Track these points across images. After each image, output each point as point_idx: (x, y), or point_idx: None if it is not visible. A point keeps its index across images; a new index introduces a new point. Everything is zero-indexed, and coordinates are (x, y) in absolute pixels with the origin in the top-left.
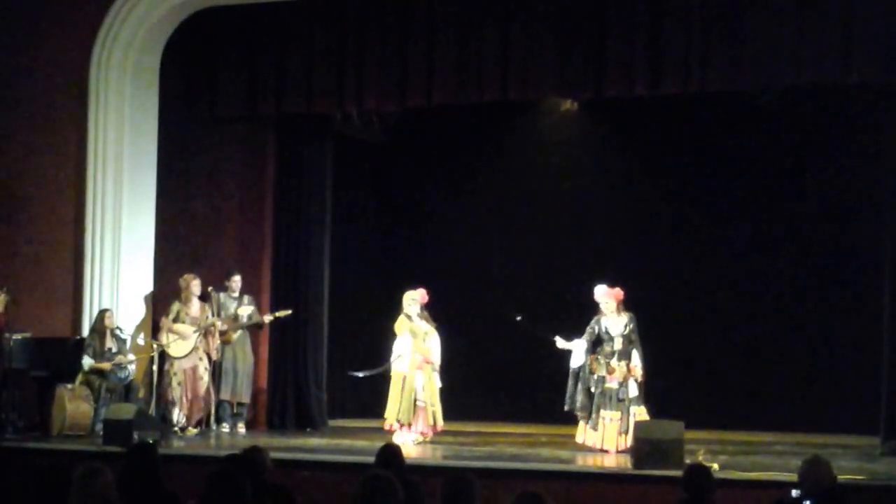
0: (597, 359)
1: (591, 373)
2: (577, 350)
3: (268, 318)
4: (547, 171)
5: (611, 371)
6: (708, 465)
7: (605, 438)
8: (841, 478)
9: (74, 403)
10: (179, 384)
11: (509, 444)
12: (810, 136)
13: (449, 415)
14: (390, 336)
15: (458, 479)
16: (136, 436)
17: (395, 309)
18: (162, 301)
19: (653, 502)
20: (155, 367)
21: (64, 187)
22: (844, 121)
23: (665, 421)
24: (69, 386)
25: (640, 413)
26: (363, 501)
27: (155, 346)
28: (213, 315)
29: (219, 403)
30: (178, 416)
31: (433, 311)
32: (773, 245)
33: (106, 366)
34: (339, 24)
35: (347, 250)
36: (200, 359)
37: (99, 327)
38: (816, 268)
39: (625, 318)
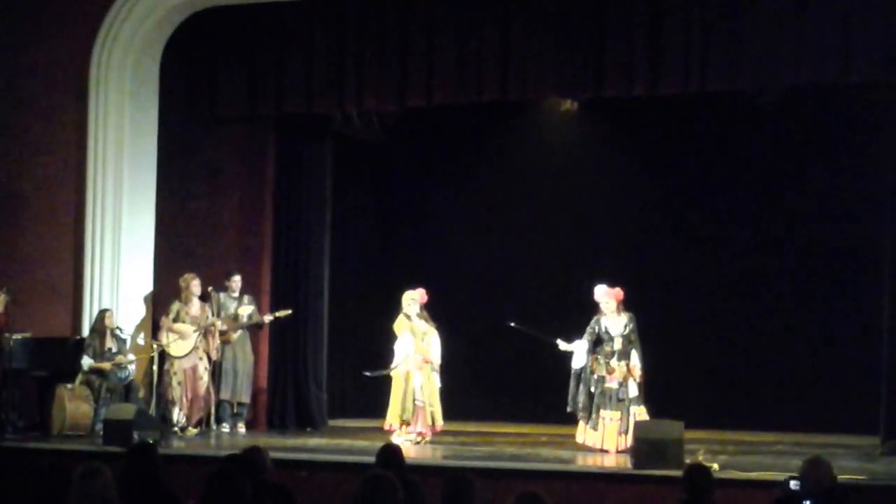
0: (597, 359)
1: (592, 373)
2: (578, 351)
3: (268, 318)
4: (547, 171)
5: (610, 371)
6: (708, 465)
7: (605, 438)
8: (841, 478)
9: (74, 403)
10: (179, 384)
11: (509, 444)
12: (810, 136)
13: (449, 415)
14: (390, 336)
15: (458, 479)
16: (136, 436)
17: (395, 309)
18: (162, 301)
19: (653, 502)
20: (155, 367)
21: (64, 187)
22: (844, 121)
23: (665, 421)
24: (69, 386)
25: (640, 413)
26: (363, 501)
27: (155, 345)
28: (212, 315)
29: (219, 403)
30: (178, 415)
31: (433, 311)
32: (773, 245)
33: (106, 366)
34: (339, 24)
35: (347, 250)
36: (200, 358)
37: (99, 327)
38: (816, 267)
39: (625, 318)
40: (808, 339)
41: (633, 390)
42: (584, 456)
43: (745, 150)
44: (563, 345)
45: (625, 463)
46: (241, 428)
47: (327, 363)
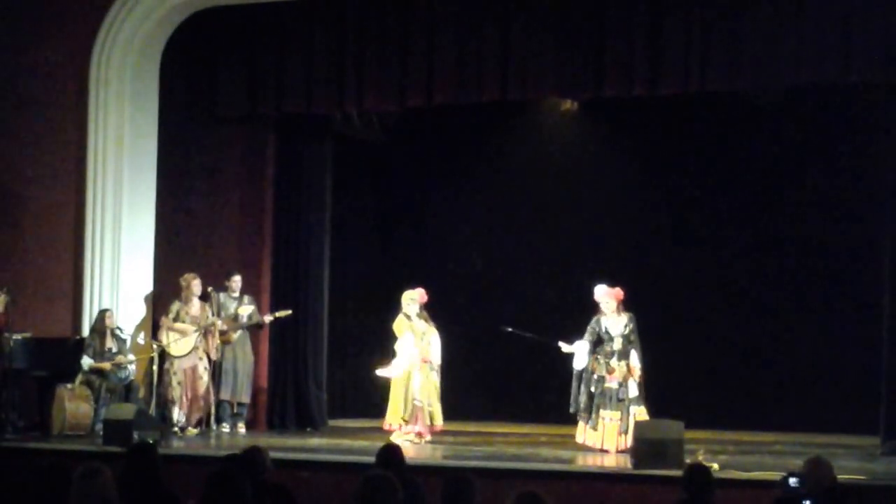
0: (596, 359)
1: (592, 372)
2: (579, 352)
3: (268, 318)
4: (547, 171)
5: (610, 371)
6: (708, 464)
7: (605, 438)
8: (841, 478)
9: (74, 403)
10: (179, 384)
11: (509, 444)
12: (810, 136)
13: (449, 415)
14: (390, 336)
15: (458, 479)
16: (136, 436)
17: (395, 309)
18: (162, 301)
19: (653, 502)
20: (155, 367)
21: (64, 188)
22: (844, 121)
23: (665, 421)
24: (69, 386)
25: (640, 413)
26: (363, 501)
27: (155, 345)
28: (212, 315)
29: (219, 403)
30: (178, 415)
31: (433, 311)
32: (773, 245)
33: (106, 366)
34: (338, 24)
35: (347, 250)
36: (200, 358)
37: (99, 327)
38: (816, 267)
39: (624, 318)
40: (808, 339)
41: (633, 390)
42: (584, 456)
43: (746, 151)
44: (564, 347)
45: (625, 463)
46: (241, 428)
47: (327, 363)
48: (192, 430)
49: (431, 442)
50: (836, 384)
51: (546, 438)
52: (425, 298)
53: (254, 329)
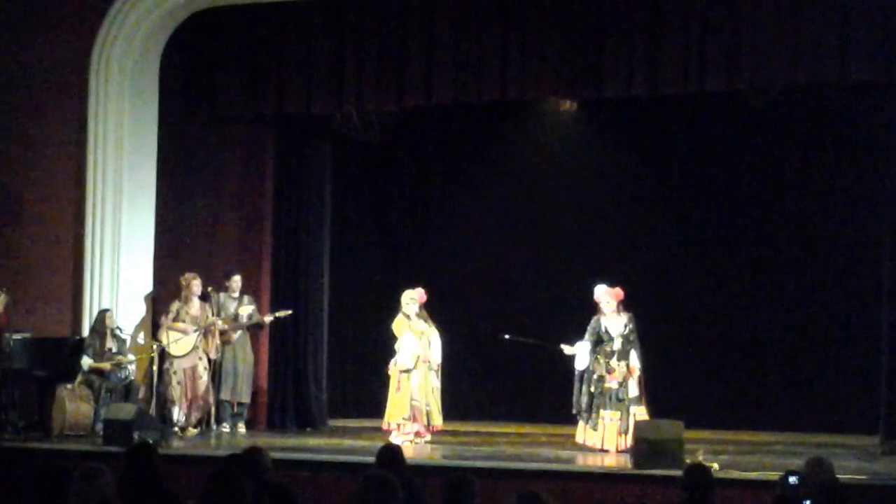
0: (596, 358)
1: (592, 372)
2: (581, 353)
3: (268, 319)
4: (547, 171)
5: (610, 371)
6: (708, 464)
7: (605, 438)
8: (841, 478)
9: (74, 403)
10: (179, 384)
11: (509, 444)
12: (810, 135)
13: (449, 415)
14: (390, 336)
15: (458, 479)
16: (136, 436)
17: (395, 309)
18: (162, 301)
19: (653, 502)
20: (155, 367)
21: (64, 187)
22: (844, 121)
23: (665, 421)
24: (69, 386)
25: (639, 413)
26: (363, 501)
27: (155, 345)
28: (212, 315)
29: (219, 403)
30: (178, 415)
31: (433, 311)
32: (772, 245)
33: (106, 366)
34: (338, 25)
35: (347, 250)
36: (200, 358)
37: (99, 327)
38: (816, 267)
39: (624, 318)
40: (808, 339)
41: (632, 390)
42: (584, 456)
43: (745, 150)
44: (567, 349)
45: (625, 463)
46: (241, 428)
47: (327, 363)
48: (192, 430)
49: (431, 442)
50: (836, 384)
51: (546, 438)
52: (425, 298)
53: (254, 329)
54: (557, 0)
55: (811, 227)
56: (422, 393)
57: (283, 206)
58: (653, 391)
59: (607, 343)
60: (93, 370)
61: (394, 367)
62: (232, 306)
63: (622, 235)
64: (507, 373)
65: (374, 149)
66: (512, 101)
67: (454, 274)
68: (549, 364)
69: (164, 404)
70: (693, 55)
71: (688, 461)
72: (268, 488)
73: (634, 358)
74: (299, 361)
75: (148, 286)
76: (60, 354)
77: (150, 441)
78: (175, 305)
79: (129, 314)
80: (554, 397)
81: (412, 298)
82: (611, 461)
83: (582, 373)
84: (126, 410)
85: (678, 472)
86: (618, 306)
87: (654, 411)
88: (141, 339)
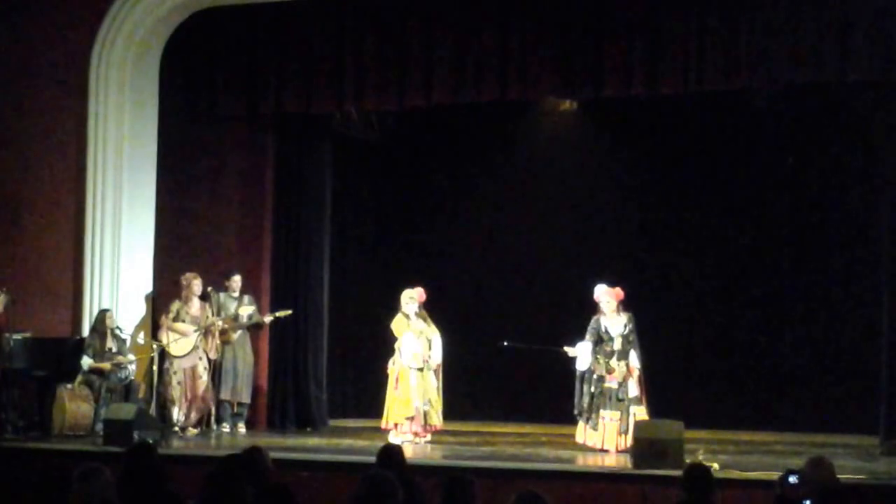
0: (596, 358)
1: (592, 372)
2: (582, 353)
3: (268, 319)
4: (547, 171)
5: (610, 371)
6: (708, 464)
7: (605, 438)
8: (841, 478)
9: (74, 403)
10: (179, 384)
11: (509, 444)
12: (809, 135)
13: (449, 415)
14: (390, 336)
15: (458, 479)
16: (136, 436)
17: (395, 309)
18: (162, 301)
19: (653, 502)
20: (155, 367)
21: (64, 187)
22: (844, 120)
23: (665, 421)
24: (69, 386)
25: (639, 413)
26: (363, 501)
27: (155, 345)
28: (213, 315)
29: (219, 403)
30: (177, 415)
31: (433, 310)
32: (772, 245)
33: (106, 365)
34: (338, 24)
35: (347, 250)
36: (200, 358)
37: (99, 327)
38: (816, 267)
39: (624, 318)
40: (807, 338)
41: (632, 390)
42: (584, 456)
43: (745, 150)
44: (570, 351)
45: (625, 463)
46: (241, 428)
47: (327, 363)
48: (192, 430)
49: (431, 442)
50: (836, 384)
51: (546, 438)
52: (424, 297)
53: (254, 329)
54: (557, 0)
55: (811, 227)
56: (420, 393)
57: (283, 206)
58: (653, 391)
59: (607, 343)
60: (93, 370)
61: (392, 367)
62: (232, 306)
63: (622, 235)
64: (507, 373)
65: (374, 148)
66: (512, 101)
67: (454, 274)
68: (548, 364)
69: (164, 404)
70: (693, 55)
71: (688, 461)
72: (268, 488)
73: (634, 358)
74: (299, 361)
75: (148, 286)
76: (60, 354)
77: (150, 441)
78: (175, 305)
79: (129, 314)
80: (554, 397)
81: (411, 298)
82: (611, 461)
83: (583, 373)
84: (126, 410)
85: (678, 472)
86: (618, 306)
87: (654, 411)
88: (141, 339)
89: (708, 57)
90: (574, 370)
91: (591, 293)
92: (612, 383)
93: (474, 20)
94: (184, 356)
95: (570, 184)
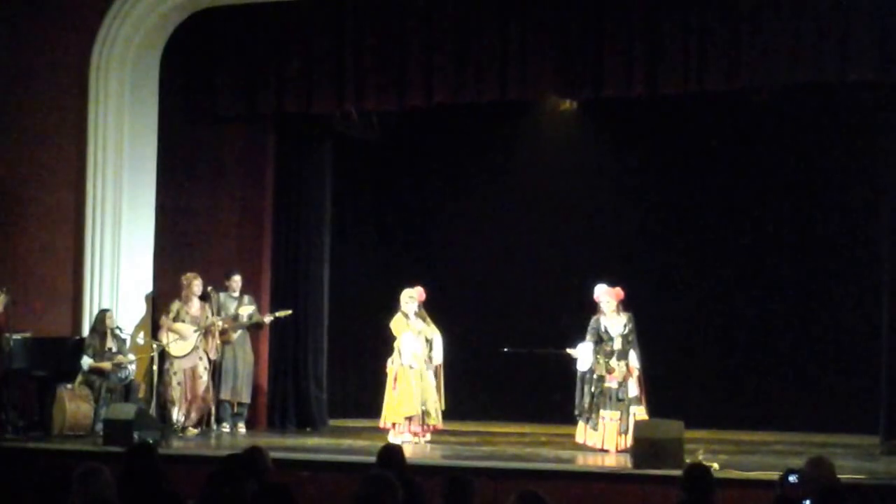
0: (596, 358)
1: (592, 372)
2: (584, 354)
3: (268, 319)
4: (547, 171)
5: (610, 371)
6: (708, 464)
7: (605, 438)
8: (841, 477)
9: (74, 403)
10: (179, 384)
11: (509, 444)
12: (809, 135)
13: (449, 415)
14: (390, 335)
15: (458, 479)
16: (136, 436)
17: (395, 308)
18: (162, 301)
19: (653, 502)
20: (155, 367)
21: (64, 187)
22: (844, 120)
23: (665, 421)
24: (69, 386)
25: (639, 413)
26: (363, 501)
27: (155, 345)
28: (212, 315)
29: (219, 403)
30: (177, 415)
31: (433, 310)
32: (772, 244)
33: (106, 365)
34: (338, 24)
35: (347, 250)
36: (200, 358)
37: (99, 327)
38: (816, 267)
39: (624, 318)
40: (808, 338)
41: (632, 390)
42: (584, 456)
43: (745, 150)
44: (573, 352)
45: (625, 463)
46: (241, 428)
47: (327, 363)
48: (192, 430)
49: (431, 442)
50: (836, 384)
51: (546, 438)
52: (424, 297)
53: (254, 329)
54: (557, 0)
55: (811, 227)
56: (418, 392)
57: (283, 206)
58: (653, 391)
59: (607, 343)
60: (93, 370)
61: (391, 366)
62: (232, 306)
63: (622, 235)
64: (507, 373)
65: (374, 148)
66: (512, 101)
67: (454, 274)
68: (548, 365)
69: (164, 404)
70: (693, 55)
71: (688, 461)
72: (268, 488)
73: (634, 358)
74: (299, 361)
75: (148, 286)
76: (60, 354)
77: (150, 441)
78: (175, 305)
79: (129, 314)
80: (555, 397)
81: (411, 297)
82: (611, 461)
83: (584, 374)
84: (126, 410)
85: (678, 472)
86: (618, 306)
87: (654, 411)
88: (141, 339)
89: (708, 57)
90: (575, 370)
91: (591, 293)
92: (612, 383)
93: (474, 20)
94: (184, 356)
95: (569, 184)
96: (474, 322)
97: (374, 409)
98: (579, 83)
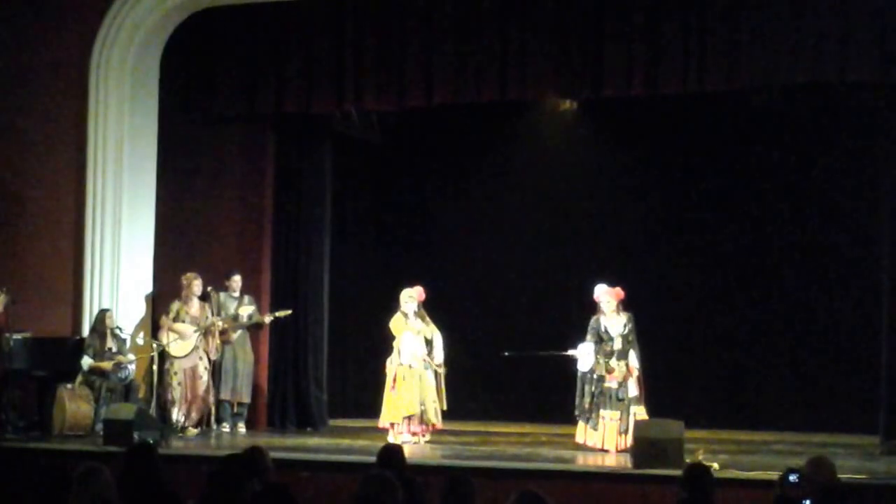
0: (596, 358)
1: (592, 372)
2: (584, 354)
3: (268, 319)
4: (546, 171)
5: (610, 371)
6: (708, 464)
7: (606, 438)
8: (841, 477)
9: (74, 403)
10: (179, 384)
11: (509, 444)
12: (809, 135)
13: (449, 415)
14: (390, 335)
15: (458, 479)
16: (136, 436)
17: (395, 309)
18: (162, 301)
19: (653, 502)
20: (155, 367)
21: (64, 187)
22: (844, 120)
23: (665, 420)
24: (69, 386)
25: (639, 413)
26: (363, 501)
27: (155, 345)
28: (212, 315)
29: (219, 403)
30: (177, 415)
31: (433, 310)
32: (772, 245)
33: (107, 365)
34: (338, 24)
35: (347, 250)
36: (200, 358)
37: (99, 327)
38: (816, 267)
39: (624, 318)
40: (807, 338)
41: (632, 390)
42: (584, 456)
43: (745, 150)
44: (576, 353)
45: (625, 463)
46: (241, 428)
47: (327, 363)
48: (192, 430)
49: (431, 442)
50: (836, 384)
51: (546, 438)
52: (423, 297)
53: (254, 329)
54: (557, 0)
55: (811, 227)
56: (417, 391)
57: (283, 206)
58: (653, 391)
59: (607, 343)
60: (93, 370)
61: (390, 366)
62: (232, 306)
63: (622, 235)
64: (507, 373)
65: (374, 148)
66: (512, 101)
67: (454, 274)
68: (548, 365)
69: (164, 404)
70: (692, 55)
71: (688, 461)
72: (268, 488)
73: (633, 358)
74: (299, 361)
75: (148, 286)
76: (60, 354)
77: (150, 441)
78: (175, 305)
79: (129, 314)
80: (554, 397)
81: (410, 297)
82: (611, 461)
83: (585, 374)
84: (126, 410)
85: (678, 472)
86: (618, 306)
87: (654, 411)
88: (141, 339)
89: (708, 57)
90: (575, 371)
91: (591, 293)
92: (611, 383)
93: (474, 20)
94: (184, 356)
95: (570, 184)
96: (474, 322)
97: (374, 409)
98: (579, 83)
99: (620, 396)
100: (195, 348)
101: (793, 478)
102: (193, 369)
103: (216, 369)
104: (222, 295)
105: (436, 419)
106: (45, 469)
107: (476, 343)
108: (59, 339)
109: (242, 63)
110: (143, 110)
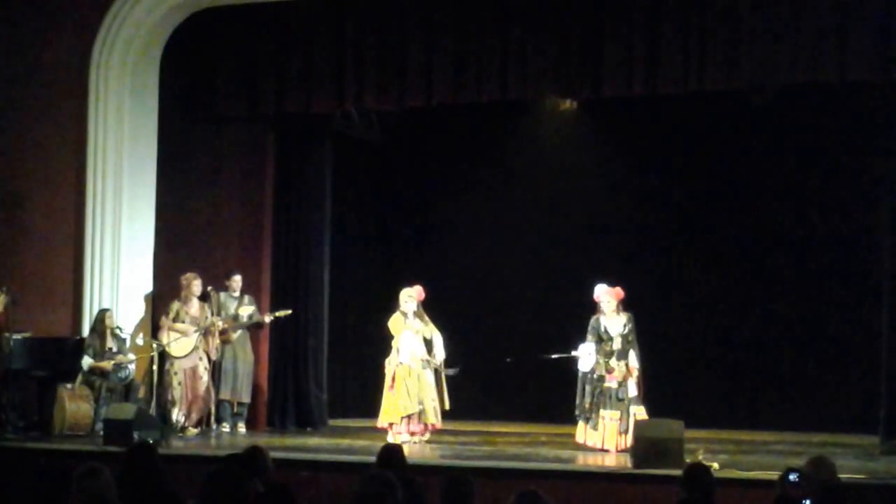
0: (596, 359)
1: (592, 372)
2: (586, 354)
3: (268, 318)
4: (546, 171)
5: (610, 371)
6: (708, 464)
7: (606, 438)
8: (841, 477)
9: (74, 403)
10: (180, 384)
11: (509, 444)
12: (809, 135)
13: (449, 415)
14: (390, 335)
15: (458, 479)
16: (136, 436)
17: (395, 308)
18: (162, 301)
19: (653, 502)
20: (155, 367)
21: (64, 187)
22: (844, 120)
23: (665, 420)
24: (69, 386)
25: (639, 413)
26: (363, 501)
27: (155, 345)
28: (212, 315)
29: (219, 403)
30: (177, 415)
31: (433, 310)
32: (772, 244)
33: (107, 365)
34: (338, 24)
35: (347, 250)
36: (200, 358)
37: (99, 327)
38: (816, 267)
39: (623, 317)
40: (807, 338)
41: (632, 390)
42: (584, 456)
43: (745, 150)
44: (576, 353)
45: (625, 463)
46: (241, 428)
47: (327, 363)
48: (192, 430)
49: (431, 442)
50: (836, 384)
51: (546, 438)
52: (423, 296)
53: (254, 329)
54: (557, 0)
55: (811, 227)
56: (416, 391)
57: (283, 206)
58: (653, 391)
59: (607, 343)
60: (93, 370)
61: (389, 365)
62: (232, 306)
63: (622, 235)
64: (507, 372)
65: (374, 148)
66: (512, 101)
67: (454, 274)
68: (548, 365)
69: (164, 404)
70: (691, 55)
71: (688, 461)
72: (268, 488)
73: (633, 358)
74: (299, 361)
75: (148, 286)
76: (60, 354)
77: (150, 441)
78: (175, 305)
79: (129, 314)
80: (554, 397)
81: (410, 296)
82: (611, 461)
83: (585, 374)
84: (126, 410)
85: (678, 472)
86: (618, 306)
87: (654, 411)
88: (141, 339)
89: (708, 57)
90: (575, 371)
91: (591, 293)
92: (611, 383)
93: (474, 20)
94: (184, 356)
95: (570, 184)
96: (474, 321)
97: (373, 409)
98: (579, 83)
99: (620, 396)
100: (195, 348)
101: (793, 477)
102: (193, 369)
103: (216, 369)
104: (222, 295)
105: (435, 419)
106: (45, 469)
107: (476, 343)
108: (59, 339)
109: (243, 63)
110: (143, 110)
